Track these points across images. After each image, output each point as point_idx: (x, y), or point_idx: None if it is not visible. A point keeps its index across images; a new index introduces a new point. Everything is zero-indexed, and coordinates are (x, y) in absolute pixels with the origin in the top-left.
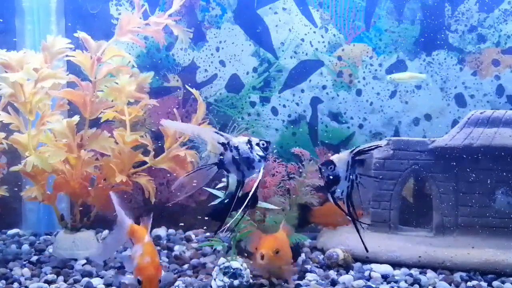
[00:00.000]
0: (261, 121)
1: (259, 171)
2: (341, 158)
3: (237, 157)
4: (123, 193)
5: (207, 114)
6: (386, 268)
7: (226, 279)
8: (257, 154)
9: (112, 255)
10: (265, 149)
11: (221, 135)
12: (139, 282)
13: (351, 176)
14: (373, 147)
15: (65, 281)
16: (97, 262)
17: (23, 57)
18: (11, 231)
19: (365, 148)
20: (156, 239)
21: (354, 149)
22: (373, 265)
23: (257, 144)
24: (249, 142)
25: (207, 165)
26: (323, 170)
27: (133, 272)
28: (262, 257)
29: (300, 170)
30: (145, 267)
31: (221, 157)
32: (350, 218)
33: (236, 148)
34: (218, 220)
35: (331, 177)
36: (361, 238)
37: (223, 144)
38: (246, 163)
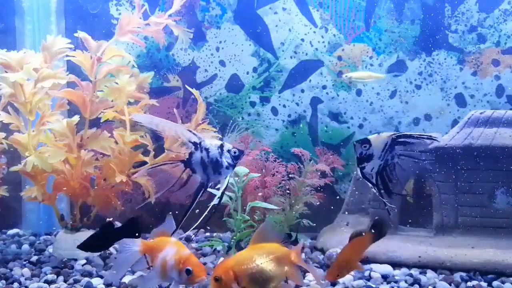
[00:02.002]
0: (261, 121)
1: (225, 178)
2: (379, 137)
3: (206, 159)
4: (123, 193)
5: (207, 114)
6: (386, 268)
7: None
8: (226, 160)
9: (125, 272)
10: (235, 158)
11: (194, 134)
12: (188, 271)
13: (387, 156)
14: (425, 136)
15: (65, 281)
16: (111, 280)
17: (23, 57)
18: (11, 231)
19: (414, 135)
20: None
21: (398, 133)
22: (373, 265)
23: (229, 151)
24: (221, 147)
25: (172, 161)
26: (357, 147)
27: (174, 269)
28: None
29: (300, 170)
30: (189, 256)
31: (190, 156)
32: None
33: (207, 150)
34: (88, 251)
35: (364, 154)
36: (388, 212)
37: (194, 143)
38: (213, 166)
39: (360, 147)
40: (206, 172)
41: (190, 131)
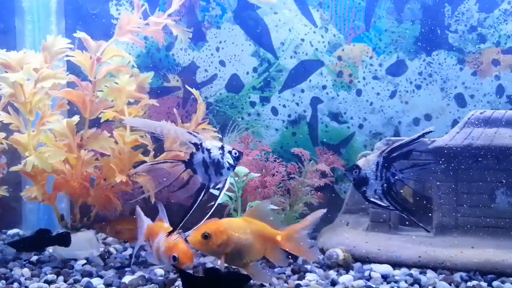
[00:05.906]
0: (261, 121)
1: (226, 179)
2: (368, 160)
3: (208, 160)
4: (123, 193)
5: (207, 114)
6: (386, 268)
7: None
8: (227, 161)
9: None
10: (236, 159)
11: (194, 135)
12: (174, 258)
13: (385, 175)
14: (416, 137)
15: (65, 281)
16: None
17: (23, 57)
18: (11, 231)
19: (404, 142)
20: None
21: (384, 150)
22: (373, 265)
23: (229, 152)
24: (222, 148)
25: (173, 160)
26: (348, 174)
27: (164, 255)
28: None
29: (300, 170)
30: (176, 243)
31: (191, 156)
32: (399, 212)
33: (208, 150)
34: (24, 251)
35: (357, 180)
36: (416, 222)
37: (195, 144)
38: (215, 167)
39: (351, 173)
40: (207, 173)
41: (190, 132)
